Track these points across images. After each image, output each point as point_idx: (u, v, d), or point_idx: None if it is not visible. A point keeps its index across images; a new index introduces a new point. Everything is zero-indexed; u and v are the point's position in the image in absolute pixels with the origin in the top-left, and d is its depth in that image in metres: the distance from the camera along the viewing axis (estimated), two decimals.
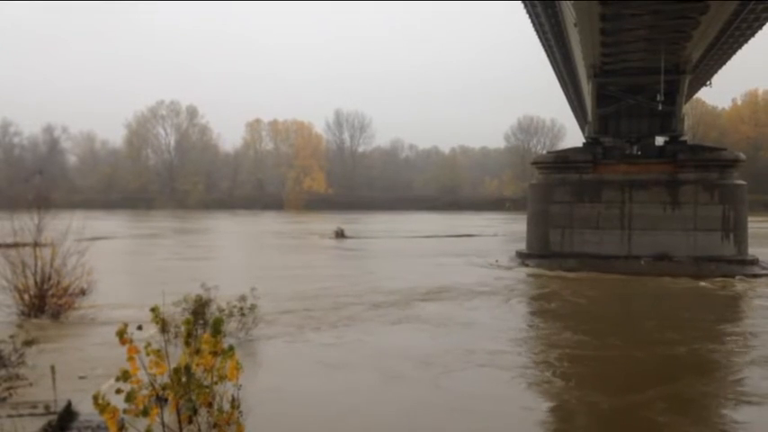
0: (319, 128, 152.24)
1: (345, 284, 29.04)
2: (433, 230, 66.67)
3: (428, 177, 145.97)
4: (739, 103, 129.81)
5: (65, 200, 73.37)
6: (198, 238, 62.24)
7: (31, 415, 10.18)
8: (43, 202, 21.46)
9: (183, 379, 6.43)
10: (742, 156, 37.84)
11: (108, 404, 6.09)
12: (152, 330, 7.21)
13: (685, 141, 38.88)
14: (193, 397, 6.45)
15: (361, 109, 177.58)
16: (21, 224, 20.13)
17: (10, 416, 10.01)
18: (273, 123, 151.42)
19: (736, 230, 34.98)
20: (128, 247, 50.69)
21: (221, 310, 15.92)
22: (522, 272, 34.90)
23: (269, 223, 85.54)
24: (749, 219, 36.66)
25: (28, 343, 12.05)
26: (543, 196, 38.63)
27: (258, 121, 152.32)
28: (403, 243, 53.21)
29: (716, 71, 42.95)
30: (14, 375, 11.45)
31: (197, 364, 6.59)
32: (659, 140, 39.17)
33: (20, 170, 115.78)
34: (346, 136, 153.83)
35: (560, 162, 38.75)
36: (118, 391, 6.32)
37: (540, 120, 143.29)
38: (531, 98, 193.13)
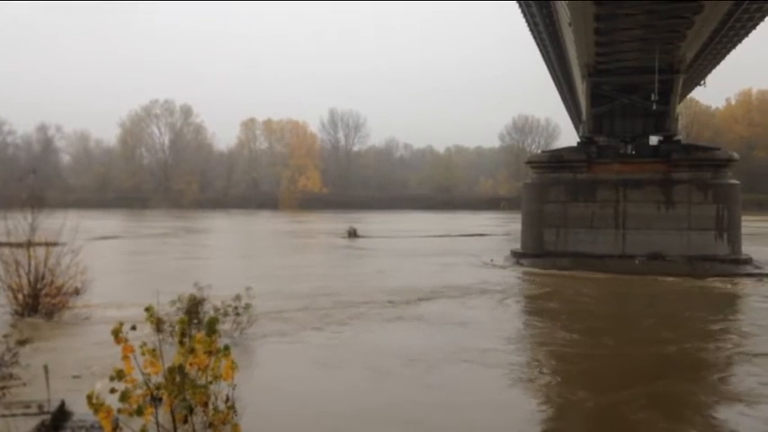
0: (314, 127, 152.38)
1: (349, 284, 29.25)
2: (443, 230, 66.72)
3: (423, 177, 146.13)
4: (733, 102, 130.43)
5: (59, 199, 73.00)
6: (208, 237, 62.20)
7: (25, 415, 10.14)
8: (37, 201, 21.35)
9: (178, 378, 6.42)
10: (735, 155, 37.95)
11: (102, 403, 6.08)
12: (146, 330, 7.19)
13: (679, 141, 39.01)
14: (188, 396, 6.44)
15: (355, 108, 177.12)
16: (15, 223, 20.07)
17: (3, 416, 9.97)
18: (268, 123, 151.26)
19: (729, 230, 35.10)
20: (140, 247, 50.48)
21: (216, 310, 15.85)
22: (517, 271, 34.94)
23: (274, 223, 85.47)
24: (743, 218, 36.79)
25: (21, 342, 11.99)
26: (538, 196, 38.68)
27: (253, 120, 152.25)
28: (413, 242, 53.13)
29: (710, 71, 43.08)
30: (8, 375, 11.40)
31: (191, 364, 6.58)
32: (653, 140, 39.26)
33: (13, 169, 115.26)
34: (341, 135, 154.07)
35: (555, 161, 38.81)
36: (112, 391, 6.30)
37: (534, 119, 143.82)
38: (526, 97, 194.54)
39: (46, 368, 10.75)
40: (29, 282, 19.88)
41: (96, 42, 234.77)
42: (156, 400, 6.46)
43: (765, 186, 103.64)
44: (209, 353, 6.62)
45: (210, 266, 36.40)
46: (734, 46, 37.12)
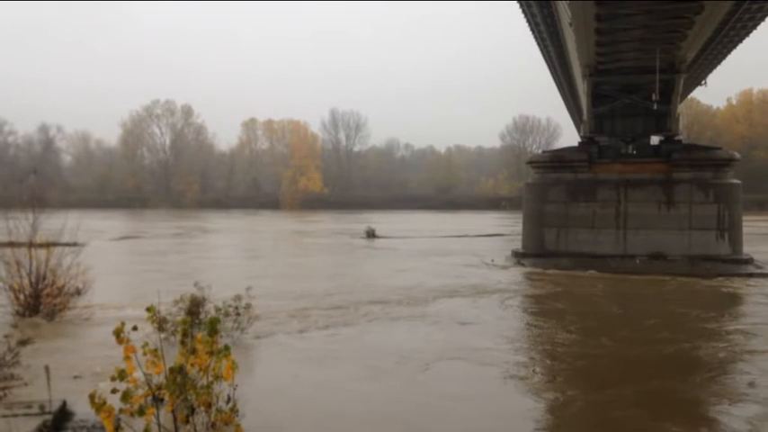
0: (315, 127, 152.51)
1: (362, 283, 29.48)
2: (458, 230, 66.67)
3: (424, 177, 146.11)
4: (734, 102, 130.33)
5: (59, 199, 73.13)
6: (224, 237, 62.16)
7: (26, 415, 10.14)
8: (38, 201, 21.35)
9: (179, 379, 6.43)
10: (737, 155, 37.92)
11: (104, 403, 6.09)
12: (147, 330, 7.20)
13: (680, 141, 38.97)
14: (190, 397, 6.45)
15: (356, 108, 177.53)
16: (18, 223, 20.10)
17: (4, 416, 9.98)
18: (269, 123, 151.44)
19: (730, 230, 35.09)
20: (161, 247, 50.45)
21: (217, 309, 15.90)
22: (518, 271, 34.91)
23: (284, 223, 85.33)
24: (744, 218, 36.77)
25: (23, 343, 12.00)
26: (538, 196, 38.68)
27: (253, 120, 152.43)
28: (431, 243, 52.96)
29: (711, 71, 43.06)
30: (9, 375, 11.41)
31: (192, 364, 6.59)
32: (654, 140, 39.25)
33: (15, 170, 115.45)
34: (342, 135, 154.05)
35: (556, 161, 38.80)
36: (113, 391, 6.31)
37: (535, 119, 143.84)
38: (527, 97, 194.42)
39: (47, 368, 10.76)
40: (30, 282, 19.89)
41: (97, 42, 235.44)
42: (157, 401, 6.47)
43: (766, 186, 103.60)
44: (211, 353, 6.63)
45: (235, 266, 36.84)
46: (735, 46, 37.11)
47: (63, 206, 39.24)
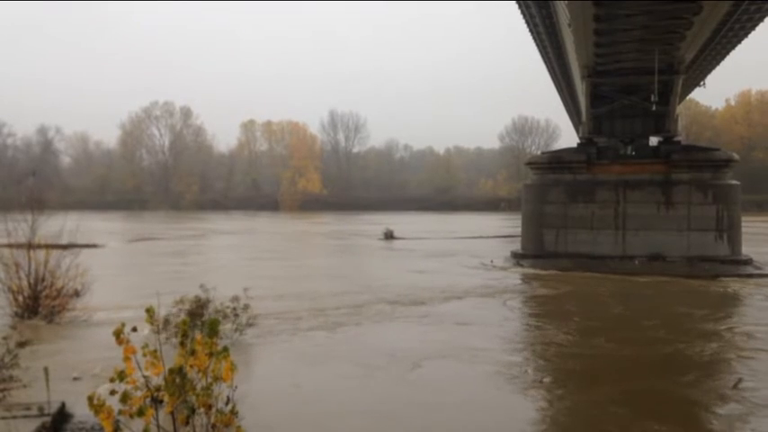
0: (314, 128, 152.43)
1: (376, 283, 29.96)
2: (471, 231, 66.65)
3: (423, 178, 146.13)
4: (733, 103, 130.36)
5: (58, 201, 73.03)
6: (240, 239, 62.24)
7: (25, 416, 10.14)
8: (37, 203, 21.36)
9: (178, 380, 6.42)
10: (735, 156, 37.96)
11: (103, 404, 6.08)
12: (146, 331, 7.19)
13: (679, 142, 38.99)
14: (190, 398, 6.44)
15: (355, 109, 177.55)
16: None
17: (4, 417, 9.98)
18: (268, 124, 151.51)
19: (729, 230, 35.11)
20: (179, 248, 50.75)
21: (217, 311, 15.95)
22: (517, 272, 34.93)
23: (295, 225, 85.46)
24: (743, 219, 36.78)
25: (21, 344, 12.00)
26: (537, 197, 38.70)
27: (252, 121, 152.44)
28: (443, 244, 52.85)
29: (709, 71, 43.08)
30: (8, 377, 11.41)
31: (191, 365, 6.58)
32: (653, 141, 39.22)
33: (13, 171, 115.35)
34: (341, 136, 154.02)
35: (554, 162, 38.82)
36: (112, 393, 6.30)
37: (534, 120, 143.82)
38: (526, 98, 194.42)
39: (46, 370, 10.76)
40: (29, 284, 19.89)
41: (96, 43, 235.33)
42: (156, 402, 6.46)
43: (765, 187, 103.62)
44: (210, 354, 6.62)
45: (266, 268, 37.07)
46: (733, 47, 37.12)
47: (62, 207, 39.09)
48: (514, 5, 34.75)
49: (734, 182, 36.42)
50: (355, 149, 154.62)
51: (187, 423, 6.52)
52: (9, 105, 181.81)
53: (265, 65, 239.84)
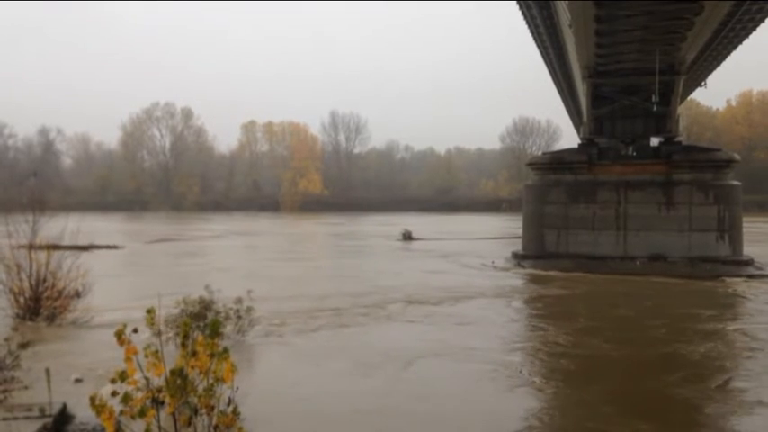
0: (315, 129, 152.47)
1: (396, 283, 30.43)
2: (486, 232, 66.77)
3: (424, 178, 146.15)
4: (733, 103, 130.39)
5: (60, 202, 73.15)
6: (259, 240, 62.39)
7: (27, 418, 10.14)
8: (38, 204, 21.38)
9: (179, 381, 6.42)
10: (736, 156, 37.96)
11: (104, 405, 6.07)
12: (147, 333, 7.19)
13: (680, 142, 39.00)
14: (191, 399, 6.44)
15: (356, 110, 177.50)
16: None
17: (5, 419, 9.98)
18: (268, 125, 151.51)
19: (730, 231, 35.09)
20: (201, 249, 51.05)
21: (217, 312, 16.02)
22: (518, 273, 34.95)
23: (304, 225, 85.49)
24: (744, 219, 36.77)
25: (23, 345, 12.00)
26: (538, 197, 38.71)
27: (253, 122, 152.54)
28: (458, 245, 52.72)
29: (710, 72, 43.09)
30: (9, 378, 11.41)
31: (192, 366, 6.58)
32: (654, 141, 39.23)
33: (15, 172, 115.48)
34: (342, 137, 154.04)
35: (555, 163, 38.83)
36: (114, 393, 6.30)
37: (535, 121, 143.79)
38: (527, 99, 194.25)
39: (47, 371, 10.76)
40: (30, 285, 19.89)
41: (97, 44, 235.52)
42: (157, 403, 6.46)
43: (766, 187, 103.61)
44: (211, 355, 6.61)
45: (283, 269, 37.46)
46: (734, 47, 37.13)
47: (63, 208, 39.25)
48: (515, 6, 34.81)
49: (735, 182, 36.41)
50: (356, 150, 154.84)
51: (189, 424, 6.51)
52: (10, 106, 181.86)
53: (266, 65, 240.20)
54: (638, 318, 22.72)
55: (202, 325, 13.98)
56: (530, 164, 42.77)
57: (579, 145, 41.05)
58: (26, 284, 19.87)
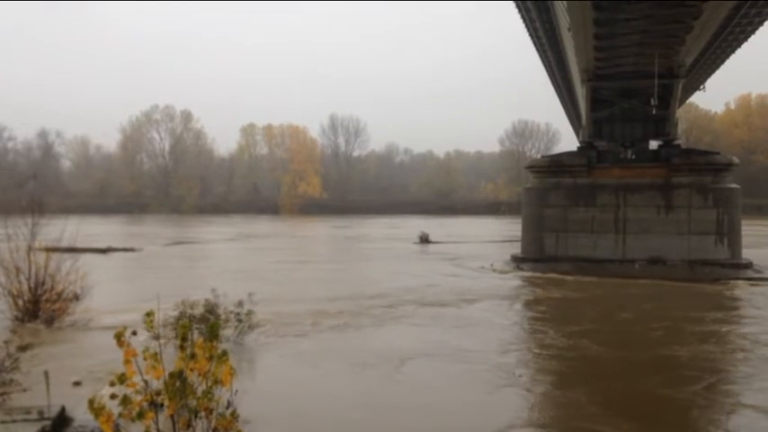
0: (314, 132, 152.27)
1: (412, 283, 31.03)
2: (500, 235, 66.45)
3: (423, 181, 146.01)
4: (732, 107, 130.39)
5: (59, 204, 73.12)
6: (275, 242, 62.51)
7: (25, 420, 10.14)
8: (37, 206, 21.39)
9: (178, 384, 6.42)
10: (735, 159, 37.98)
11: (103, 408, 6.07)
12: (142, 337, 7.19)
13: (679, 145, 39.02)
14: (190, 402, 6.44)
15: (355, 113, 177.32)
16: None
17: (4, 421, 9.98)
18: (268, 128, 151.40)
19: (729, 234, 35.10)
20: (220, 252, 51.38)
21: (218, 316, 16.13)
22: (517, 276, 34.94)
23: (313, 228, 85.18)
24: (743, 222, 36.78)
25: (22, 348, 12.02)
26: (538, 200, 38.72)
27: (252, 125, 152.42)
28: (472, 248, 52.47)
29: (709, 75, 43.13)
30: (8, 381, 11.41)
31: (191, 369, 6.58)
32: (653, 144, 39.24)
33: (14, 175, 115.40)
34: (341, 140, 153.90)
35: (555, 166, 38.83)
36: (112, 396, 6.30)
37: (534, 124, 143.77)
38: (526, 102, 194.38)
39: (46, 374, 10.76)
40: (29, 287, 19.89)
41: (96, 48, 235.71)
42: (156, 406, 6.46)
43: (765, 190, 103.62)
44: (210, 358, 6.62)
45: (313, 271, 38.16)
46: (733, 50, 37.18)
47: (62, 211, 39.31)
48: (515, 10, 34.83)
49: (734, 185, 36.43)
50: (355, 153, 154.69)
51: (188, 426, 6.51)
52: (9, 109, 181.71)
53: (265, 68, 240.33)
54: (635, 321, 22.79)
55: (204, 328, 14.13)
56: (529, 167, 42.77)
57: (578, 148, 41.07)
58: (25, 287, 19.87)
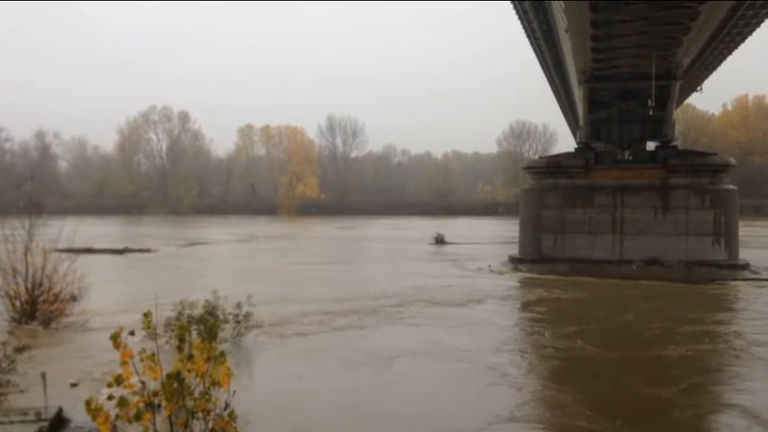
0: (312, 133, 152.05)
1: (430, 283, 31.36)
2: (502, 236, 65.95)
3: (421, 182, 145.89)
4: (730, 108, 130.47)
5: (57, 205, 73.01)
6: (288, 243, 62.59)
7: (22, 422, 10.13)
8: (35, 207, 21.36)
9: (175, 385, 6.42)
10: (732, 160, 38.05)
11: (100, 409, 6.07)
12: (137, 337, 7.18)
13: (676, 146, 39.07)
14: (188, 403, 6.44)
15: (353, 113, 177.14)
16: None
17: (1, 422, 9.96)
18: (265, 129, 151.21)
19: (727, 235, 35.14)
20: (240, 252, 51.64)
21: (216, 318, 16.21)
22: (515, 277, 34.96)
23: (320, 229, 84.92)
24: (740, 223, 36.84)
25: (19, 350, 12.00)
26: (535, 201, 38.73)
27: (250, 126, 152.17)
28: (485, 249, 51.96)
29: (707, 76, 43.18)
30: (5, 382, 11.39)
31: (189, 370, 6.58)
32: (651, 146, 39.30)
33: (11, 176, 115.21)
34: (339, 141, 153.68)
35: (552, 167, 38.85)
36: (110, 398, 6.30)
37: (532, 125, 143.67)
38: (524, 103, 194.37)
39: (44, 375, 10.75)
40: (26, 288, 19.86)
41: (94, 48, 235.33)
42: (153, 407, 6.46)
43: (762, 191, 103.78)
44: (208, 359, 6.62)
45: (342, 272, 38.35)
46: (730, 52, 37.24)
47: (60, 212, 39.33)
48: (512, 11, 34.87)
49: (731, 186, 36.49)
50: (353, 154, 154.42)
51: (186, 427, 6.51)
52: (7, 109, 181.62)
53: (263, 69, 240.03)
54: (631, 321, 22.83)
55: (203, 329, 14.25)
56: (527, 168, 42.79)
57: (576, 149, 41.12)
58: (22, 288, 19.84)
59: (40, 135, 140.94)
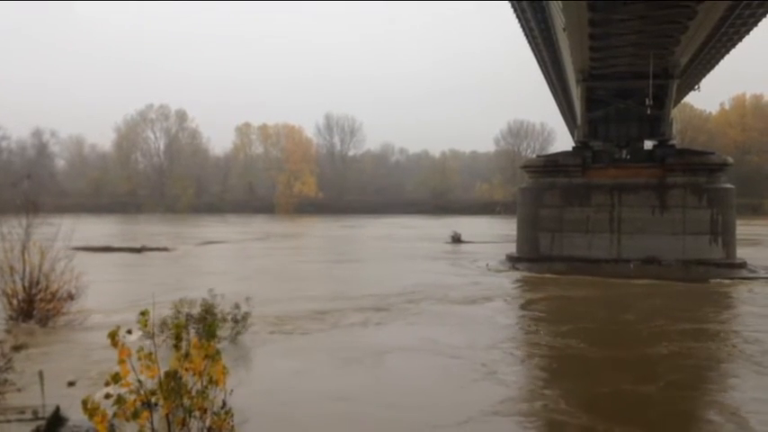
0: (309, 132, 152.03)
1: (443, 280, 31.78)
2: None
3: (418, 181, 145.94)
4: (727, 107, 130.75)
5: (54, 204, 72.81)
6: (302, 242, 62.77)
7: (19, 420, 10.11)
8: (32, 206, 21.30)
9: (172, 384, 6.42)
10: (730, 159, 38.10)
11: (97, 408, 6.07)
12: (134, 336, 7.18)
13: (674, 145, 39.07)
14: (186, 402, 6.44)
15: (350, 112, 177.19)
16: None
17: None
18: (263, 127, 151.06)
19: (724, 234, 35.20)
20: (258, 252, 51.43)
21: (214, 317, 16.25)
22: (512, 275, 34.96)
23: (327, 228, 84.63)
24: (737, 222, 36.90)
25: (16, 348, 11.98)
26: (533, 200, 38.76)
27: (248, 124, 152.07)
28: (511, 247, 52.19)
29: (704, 75, 43.25)
30: (2, 381, 11.38)
31: (186, 369, 6.58)
32: (648, 144, 39.38)
33: (8, 174, 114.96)
34: (336, 140, 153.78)
35: (550, 166, 38.89)
36: (107, 396, 6.29)
37: (529, 123, 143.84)
38: (521, 102, 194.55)
39: (41, 374, 10.74)
40: (23, 287, 19.82)
41: (91, 47, 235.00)
42: (150, 406, 6.45)
43: (759, 190, 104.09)
44: (206, 357, 6.62)
45: (360, 270, 38.90)
46: (728, 51, 37.29)
47: (57, 210, 39.21)
48: (510, 10, 34.87)
49: (728, 185, 36.54)
50: (351, 153, 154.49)
51: (183, 425, 6.51)
52: (3, 108, 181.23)
53: (260, 67, 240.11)
54: (627, 320, 22.85)
55: (201, 328, 14.37)
56: (524, 167, 42.80)
57: (573, 148, 41.14)
58: (19, 287, 19.80)
59: (37, 133, 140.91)
